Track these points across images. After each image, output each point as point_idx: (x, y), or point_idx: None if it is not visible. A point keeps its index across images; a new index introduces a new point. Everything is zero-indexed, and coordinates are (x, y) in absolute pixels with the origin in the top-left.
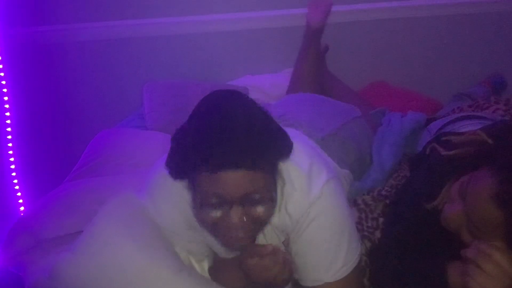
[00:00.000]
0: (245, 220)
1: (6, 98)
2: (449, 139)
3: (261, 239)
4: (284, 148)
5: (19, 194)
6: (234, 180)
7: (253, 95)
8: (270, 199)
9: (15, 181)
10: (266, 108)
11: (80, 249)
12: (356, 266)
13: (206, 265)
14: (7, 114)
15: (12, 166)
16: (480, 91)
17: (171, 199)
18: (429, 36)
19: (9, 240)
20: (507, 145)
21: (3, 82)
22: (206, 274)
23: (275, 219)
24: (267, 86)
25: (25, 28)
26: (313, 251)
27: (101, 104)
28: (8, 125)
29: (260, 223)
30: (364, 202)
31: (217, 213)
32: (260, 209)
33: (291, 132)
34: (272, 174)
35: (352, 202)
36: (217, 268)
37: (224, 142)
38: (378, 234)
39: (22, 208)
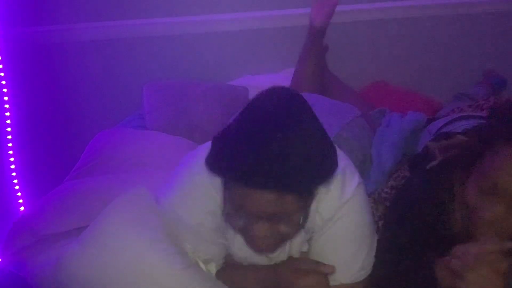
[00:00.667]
0: (271, 233)
1: (6, 98)
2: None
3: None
4: (328, 172)
5: (19, 194)
6: (265, 199)
7: (253, 95)
8: (297, 223)
9: (15, 181)
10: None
11: (88, 242)
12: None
13: (213, 267)
14: (7, 114)
15: (12, 166)
16: (480, 91)
17: (203, 196)
18: (429, 36)
19: (9, 239)
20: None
21: (3, 82)
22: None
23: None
24: (267, 86)
25: (25, 28)
26: (334, 249)
27: (101, 104)
28: (8, 125)
29: (285, 238)
30: None
31: (242, 222)
32: (284, 229)
33: None
34: (306, 199)
35: None
36: (227, 274)
37: (266, 160)
38: (378, 236)
39: (22, 208)
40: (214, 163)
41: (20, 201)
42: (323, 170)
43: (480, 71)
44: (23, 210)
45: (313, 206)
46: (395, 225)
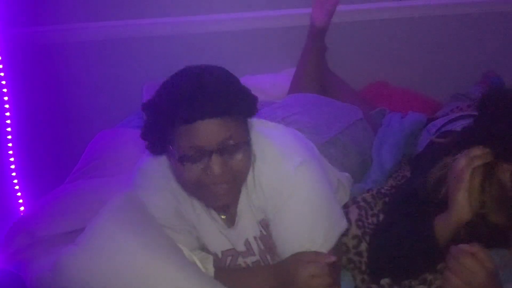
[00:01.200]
0: (226, 170)
1: (6, 98)
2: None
3: (244, 217)
4: (250, 99)
5: (19, 194)
6: (209, 128)
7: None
8: (245, 143)
9: (15, 181)
10: (267, 106)
11: (84, 244)
12: (336, 246)
13: (211, 267)
14: (7, 114)
15: (12, 166)
16: (477, 91)
17: (157, 184)
18: (429, 36)
19: (8, 239)
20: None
21: (3, 82)
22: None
23: (253, 196)
24: (267, 86)
25: (25, 28)
26: (291, 226)
27: (101, 104)
28: (8, 125)
29: (240, 176)
30: (363, 199)
31: (198, 167)
32: (238, 157)
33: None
34: (244, 123)
35: (351, 200)
36: (226, 275)
37: (196, 94)
38: (379, 227)
39: (22, 208)
40: (151, 126)
41: (20, 201)
42: (246, 97)
43: (480, 71)
44: (23, 210)
45: (256, 183)
46: (395, 210)
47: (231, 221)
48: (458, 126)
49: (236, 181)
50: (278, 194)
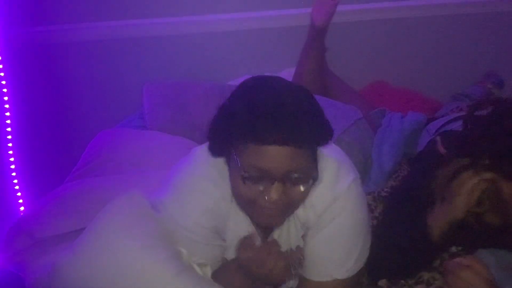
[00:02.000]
0: (283, 198)
1: (6, 98)
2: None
3: (283, 233)
4: (328, 129)
5: (19, 194)
6: (279, 155)
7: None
8: (311, 178)
9: (15, 181)
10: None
11: (80, 249)
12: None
13: (209, 270)
14: (7, 114)
15: (12, 166)
16: (477, 91)
17: (199, 194)
18: (429, 36)
19: (8, 239)
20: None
21: (3, 82)
22: (207, 277)
23: (300, 211)
24: None
25: (25, 28)
26: (329, 247)
27: (101, 104)
28: (8, 125)
29: (294, 205)
30: None
31: (258, 188)
32: (299, 189)
33: None
34: (314, 155)
35: None
36: (220, 272)
37: (275, 116)
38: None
39: (22, 208)
40: (221, 131)
41: (20, 201)
42: (323, 127)
43: (479, 71)
44: (23, 210)
45: (307, 199)
46: (392, 210)
47: (266, 235)
48: (457, 126)
49: (290, 209)
50: (329, 211)
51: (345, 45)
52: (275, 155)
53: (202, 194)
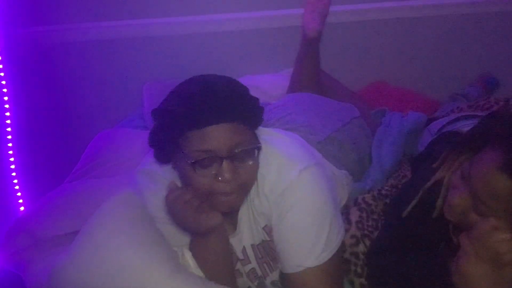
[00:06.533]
0: (236, 177)
1: (6, 98)
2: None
3: (243, 224)
4: (258, 109)
5: (19, 194)
6: (218, 133)
7: (253, 95)
8: (255, 150)
9: (15, 181)
10: (264, 106)
11: (76, 252)
12: (337, 252)
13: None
14: (7, 114)
15: (12, 166)
16: (474, 92)
17: (162, 184)
18: (428, 36)
19: (8, 239)
20: (503, 121)
21: (3, 82)
22: (201, 273)
23: (256, 202)
24: (267, 86)
25: (25, 28)
26: (293, 236)
27: (101, 104)
28: (8, 125)
29: (248, 184)
30: (364, 201)
31: (209, 172)
32: (248, 164)
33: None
34: (252, 130)
35: (353, 201)
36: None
37: (209, 99)
38: (379, 233)
39: (22, 208)
40: (161, 132)
41: (20, 201)
42: (254, 105)
43: (479, 71)
44: (23, 210)
45: (260, 189)
46: (396, 222)
47: (233, 229)
48: (459, 126)
49: (243, 189)
50: (282, 201)
51: (345, 45)
52: (215, 135)
53: (160, 182)
